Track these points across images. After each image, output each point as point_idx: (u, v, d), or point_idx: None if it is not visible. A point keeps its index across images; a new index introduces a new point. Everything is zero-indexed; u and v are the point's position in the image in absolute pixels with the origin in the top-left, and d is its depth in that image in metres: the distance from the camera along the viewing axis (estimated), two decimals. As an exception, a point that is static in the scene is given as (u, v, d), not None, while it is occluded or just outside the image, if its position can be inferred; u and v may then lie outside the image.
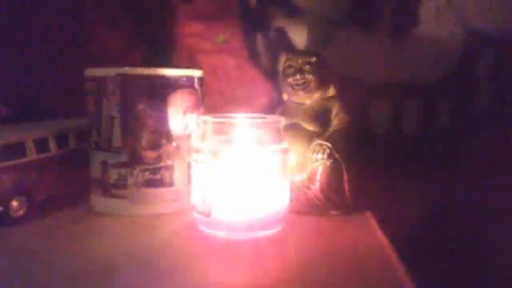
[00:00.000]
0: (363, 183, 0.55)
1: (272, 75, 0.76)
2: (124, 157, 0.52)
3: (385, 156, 0.71)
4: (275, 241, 0.46)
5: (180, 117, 0.54)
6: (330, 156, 0.53)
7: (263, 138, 0.47)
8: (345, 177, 0.53)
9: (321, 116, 0.57)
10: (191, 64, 0.77)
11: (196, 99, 0.56)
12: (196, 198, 0.47)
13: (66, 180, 0.57)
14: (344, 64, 0.69)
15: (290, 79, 0.58)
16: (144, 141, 0.53)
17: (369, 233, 0.49)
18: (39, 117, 0.63)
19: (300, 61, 0.58)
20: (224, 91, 0.76)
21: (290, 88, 0.58)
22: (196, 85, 0.56)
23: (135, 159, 0.53)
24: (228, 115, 0.50)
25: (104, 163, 0.53)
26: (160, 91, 0.53)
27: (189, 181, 0.53)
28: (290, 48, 0.74)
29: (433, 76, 0.70)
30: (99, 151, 0.54)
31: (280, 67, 0.62)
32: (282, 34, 0.74)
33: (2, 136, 0.50)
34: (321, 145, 0.53)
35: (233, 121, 0.49)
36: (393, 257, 0.42)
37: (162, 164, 0.53)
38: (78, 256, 0.42)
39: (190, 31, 0.78)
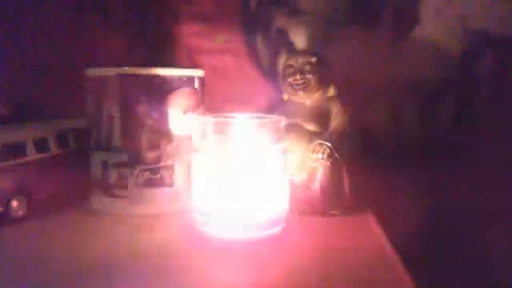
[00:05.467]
0: (363, 183, 0.55)
1: (272, 75, 0.76)
2: (124, 157, 0.52)
3: (385, 156, 0.71)
4: (275, 241, 0.46)
5: (180, 117, 0.54)
6: (330, 156, 0.53)
7: (263, 138, 0.47)
8: (345, 177, 0.53)
9: (321, 116, 0.56)
10: (191, 64, 0.77)
11: (196, 99, 0.56)
12: (196, 198, 0.47)
13: (66, 180, 0.57)
14: (344, 64, 0.69)
15: (290, 79, 0.58)
16: (144, 141, 0.53)
17: (369, 233, 0.49)
18: (39, 117, 0.63)
19: (300, 61, 0.58)
20: (224, 91, 0.76)
21: (290, 88, 0.58)
22: (196, 85, 0.56)
23: (135, 159, 0.53)
24: (228, 114, 0.50)
25: (104, 163, 0.53)
26: (160, 91, 0.53)
27: (189, 181, 0.53)
28: (290, 48, 0.74)
29: (433, 76, 0.70)
30: (99, 151, 0.54)
31: (280, 67, 0.62)
32: (282, 34, 0.74)
33: (2, 136, 0.50)
34: (321, 145, 0.53)
35: (233, 120, 0.49)
36: (393, 257, 0.42)
37: (162, 164, 0.53)
38: (78, 256, 0.42)
39: (190, 31, 0.78)
